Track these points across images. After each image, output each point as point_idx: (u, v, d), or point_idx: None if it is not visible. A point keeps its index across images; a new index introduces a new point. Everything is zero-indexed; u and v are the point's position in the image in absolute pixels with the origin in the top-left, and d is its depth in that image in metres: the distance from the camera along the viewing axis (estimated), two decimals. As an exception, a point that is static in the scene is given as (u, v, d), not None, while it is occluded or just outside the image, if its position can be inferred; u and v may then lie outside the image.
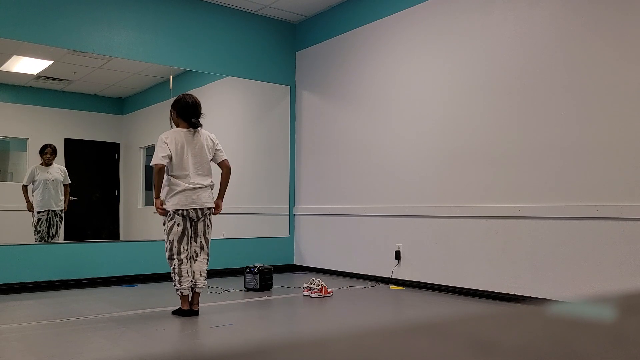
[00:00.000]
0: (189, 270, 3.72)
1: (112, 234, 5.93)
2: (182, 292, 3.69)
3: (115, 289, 4.93)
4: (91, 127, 5.78)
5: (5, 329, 3.32)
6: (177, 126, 3.81)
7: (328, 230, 6.02)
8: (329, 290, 4.58)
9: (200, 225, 3.81)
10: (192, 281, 3.74)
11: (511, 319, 0.45)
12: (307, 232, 6.33)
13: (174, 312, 3.79)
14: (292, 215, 6.53)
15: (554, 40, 4.04)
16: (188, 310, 3.73)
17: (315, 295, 4.49)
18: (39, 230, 5.32)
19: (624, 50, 3.66)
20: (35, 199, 5.30)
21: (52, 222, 5.39)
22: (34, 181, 5.30)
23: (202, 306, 4.01)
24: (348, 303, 4.24)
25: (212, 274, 5.56)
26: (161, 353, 2.81)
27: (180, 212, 3.69)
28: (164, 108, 5.89)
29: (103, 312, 3.88)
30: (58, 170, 5.43)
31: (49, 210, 5.38)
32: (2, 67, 5.08)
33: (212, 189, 3.86)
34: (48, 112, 5.53)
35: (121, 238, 5.91)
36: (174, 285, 3.72)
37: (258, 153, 6.36)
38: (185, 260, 3.71)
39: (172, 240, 3.70)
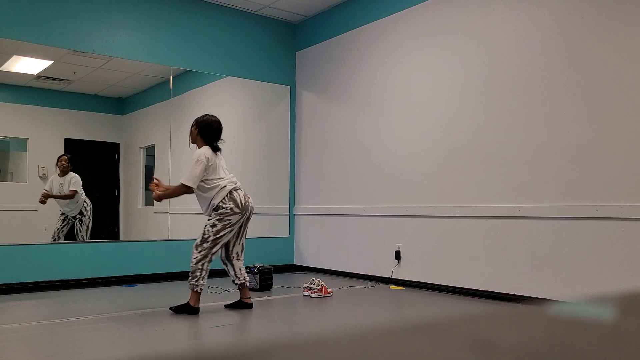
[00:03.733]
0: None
1: (112, 234, 5.93)
2: (201, 289, 3.81)
3: (115, 289, 4.93)
4: (91, 127, 5.78)
5: (5, 329, 3.32)
6: (194, 143, 3.93)
7: (328, 230, 6.02)
8: (329, 290, 4.58)
9: (246, 227, 4.00)
10: (238, 278, 3.94)
11: (511, 319, 0.45)
12: (307, 232, 6.33)
13: (175, 309, 3.81)
14: (292, 215, 6.53)
15: (554, 40, 4.04)
16: (198, 308, 3.84)
17: (315, 295, 4.49)
18: (54, 232, 5.42)
19: (624, 50, 3.66)
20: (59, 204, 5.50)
21: (73, 225, 5.52)
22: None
23: (202, 306, 4.02)
24: (348, 303, 4.24)
25: (212, 273, 5.55)
26: (161, 353, 2.81)
27: (241, 211, 3.81)
28: (164, 108, 5.89)
29: (103, 312, 3.88)
30: (68, 180, 5.54)
31: (66, 216, 5.50)
32: (2, 67, 5.08)
33: None
34: (48, 112, 5.53)
35: (121, 238, 5.91)
36: (196, 281, 3.78)
37: (258, 153, 6.36)
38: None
39: (219, 240, 3.79)
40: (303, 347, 0.36)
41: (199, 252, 3.78)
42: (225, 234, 3.79)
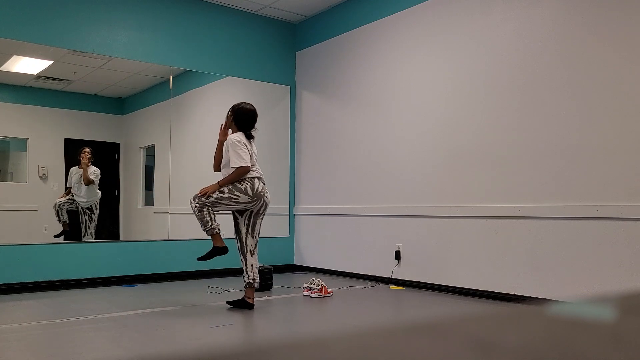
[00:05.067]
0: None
1: (112, 234, 5.93)
2: (219, 229, 3.89)
3: (115, 289, 4.93)
4: (91, 127, 5.78)
5: (5, 329, 3.32)
6: (229, 128, 4.07)
7: (328, 230, 6.02)
8: (329, 290, 4.58)
9: (259, 220, 4.06)
10: (248, 275, 3.99)
11: (511, 319, 0.45)
12: (307, 232, 6.33)
13: (205, 256, 3.95)
14: (292, 215, 6.53)
15: (554, 40, 4.04)
16: (225, 247, 3.95)
17: (315, 295, 4.49)
18: (58, 203, 5.46)
19: (624, 50, 3.66)
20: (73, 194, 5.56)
21: (81, 219, 5.58)
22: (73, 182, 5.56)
23: (202, 306, 4.01)
24: (348, 303, 4.24)
25: (212, 273, 5.57)
26: (161, 353, 2.81)
27: (252, 196, 3.87)
28: (164, 108, 5.89)
29: (103, 312, 3.88)
30: (90, 172, 5.63)
31: (74, 202, 5.57)
32: (2, 67, 5.08)
33: None
34: (48, 112, 5.53)
35: (121, 238, 5.91)
36: (211, 226, 3.85)
37: (258, 153, 6.35)
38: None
39: (218, 203, 3.83)
40: (303, 347, 0.36)
41: (197, 202, 3.85)
42: (227, 204, 3.86)
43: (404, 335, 0.40)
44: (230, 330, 3.37)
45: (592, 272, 3.73)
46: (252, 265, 4.00)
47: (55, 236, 5.45)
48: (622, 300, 0.53)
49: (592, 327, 0.43)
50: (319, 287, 4.51)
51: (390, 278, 5.22)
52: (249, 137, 4.03)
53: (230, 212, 4.05)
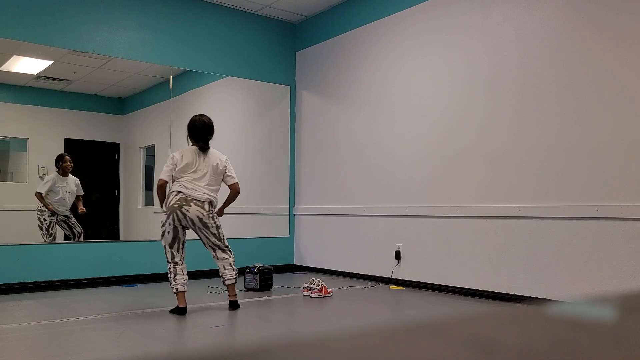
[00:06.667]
0: (184, 269, 3.86)
1: (112, 234, 5.93)
2: (177, 289, 3.77)
3: (115, 289, 4.93)
4: (91, 127, 5.78)
5: (5, 329, 3.32)
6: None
7: (328, 230, 6.02)
8: (329, 290, 4.58)
9: (204, 235, 3.87)
10: (221, 277, 3.94)
11: (511, 319, 0.45)
12: (307, 232, 6.33)
13: (171, 311, 3.82)
14: (292, 215, 6.53)
15: (554, 40, 4.03)
16: (183, 307, 3.78)
17: (315, 295, 4.49)
18: (50, 233, 5.38)
19: (624, 50, 3.66)
20: (53, 205, 5.43)
21: (69, 224, 5.51)
22: (51, 190, 5.41)
23: (202, 306, 4.01)
24: (348, 303, 4.24)
25: (212, 273, 5.56)
26: (161, 353, 2.81)
27: (166, 211, 3.78)
28: (164, 108, 5.89)
29: (103, 312, 3.88)
30: (73, 182, 5.55)
31: (57, 216, 5.46)
32: (2, 67, 5.08)
33: (212, 206, 3.89)
34: (48, 112, 5.53)
35: (121, 238, 5.91)
36: (170, 285, 3.82)
37: (258, 153, 6.36)
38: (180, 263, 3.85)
39: (165, 246, 3.84)
40: (303, 347, 0.36)
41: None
42: (164, 231, 3.79)
43: (404, 335, 0.40)
44: (230, 330, 3.37)
45: (592, 272, 3.73)
46: (222, 266, 3.92)
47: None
48: (622, 300, 0.53)
49: (592, 327, 0.43)
50: (319, 287, 4.51)
51: (390, 278, 5.22)
52: (202, 149, 3.89)
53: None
